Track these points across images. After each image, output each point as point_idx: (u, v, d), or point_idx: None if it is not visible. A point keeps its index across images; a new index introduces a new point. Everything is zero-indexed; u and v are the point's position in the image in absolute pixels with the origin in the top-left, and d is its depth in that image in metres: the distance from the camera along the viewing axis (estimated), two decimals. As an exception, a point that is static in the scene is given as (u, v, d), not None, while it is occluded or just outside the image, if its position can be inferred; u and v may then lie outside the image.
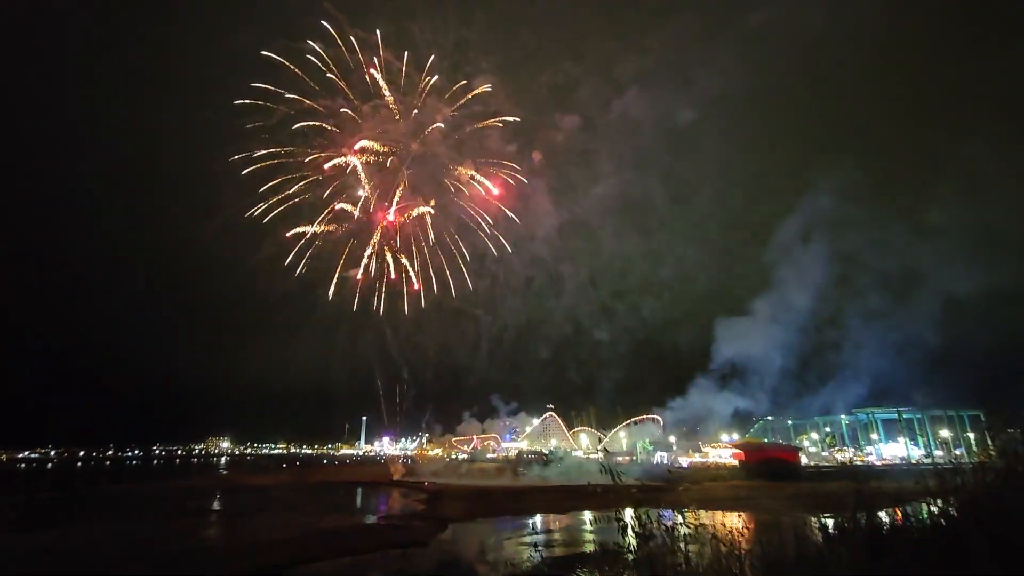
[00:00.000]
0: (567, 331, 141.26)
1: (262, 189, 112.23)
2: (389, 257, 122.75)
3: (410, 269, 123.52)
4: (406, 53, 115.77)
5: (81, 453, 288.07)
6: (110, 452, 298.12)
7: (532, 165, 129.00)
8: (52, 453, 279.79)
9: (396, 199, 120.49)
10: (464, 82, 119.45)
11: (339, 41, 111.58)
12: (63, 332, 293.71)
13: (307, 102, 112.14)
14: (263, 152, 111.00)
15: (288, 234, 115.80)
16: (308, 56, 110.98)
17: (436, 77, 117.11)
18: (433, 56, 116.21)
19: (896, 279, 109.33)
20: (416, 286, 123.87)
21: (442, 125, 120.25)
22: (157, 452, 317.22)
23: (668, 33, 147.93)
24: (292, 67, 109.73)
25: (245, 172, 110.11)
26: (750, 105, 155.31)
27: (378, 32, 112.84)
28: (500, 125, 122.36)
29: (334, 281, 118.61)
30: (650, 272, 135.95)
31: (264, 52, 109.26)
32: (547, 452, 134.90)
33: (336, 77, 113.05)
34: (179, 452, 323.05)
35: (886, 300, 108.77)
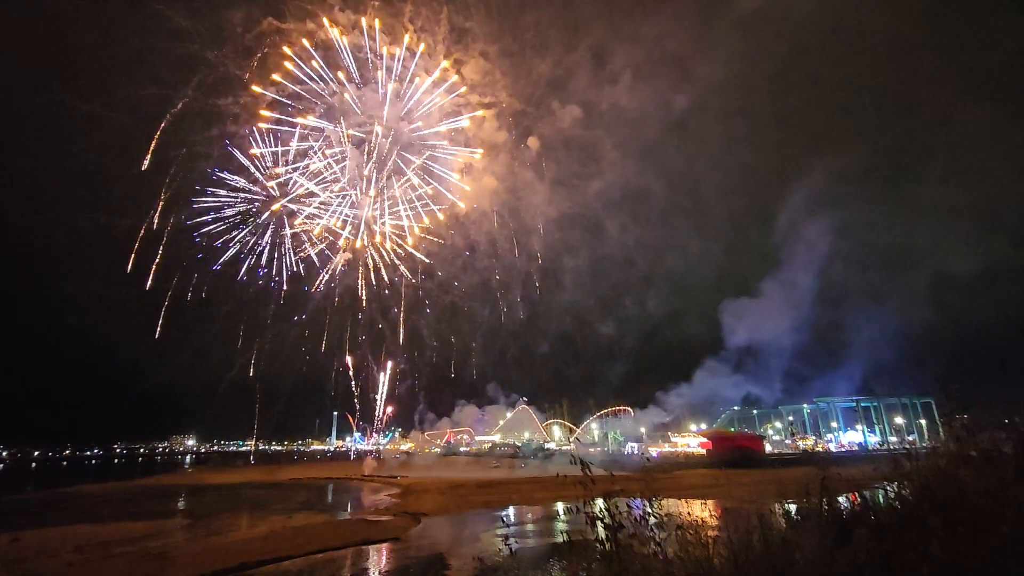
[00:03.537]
0: (566, 324, 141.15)
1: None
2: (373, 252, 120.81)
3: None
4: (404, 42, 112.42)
5: (36, 453, 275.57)
6: (67, 452, 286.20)
7: (529, 156, 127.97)
8: (4, 453, 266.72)
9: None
10: (456, 79, 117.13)
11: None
12: (13, 326, 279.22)
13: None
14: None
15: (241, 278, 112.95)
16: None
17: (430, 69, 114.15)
18: (423, 45, 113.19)
19: (887, 261, 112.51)
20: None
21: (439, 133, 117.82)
22: (118, 451, 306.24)
23: (664, 21, 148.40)
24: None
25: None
26: (746, 92, 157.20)
27: (363, 21, 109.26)
28: (497, 117, 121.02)
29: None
30: (652, 263, 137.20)
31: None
32: (519, 444, 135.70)
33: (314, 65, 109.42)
34: (142, 450, 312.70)
35: (875, 283, 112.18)
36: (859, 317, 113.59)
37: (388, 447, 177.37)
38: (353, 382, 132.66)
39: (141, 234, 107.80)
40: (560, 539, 35.94)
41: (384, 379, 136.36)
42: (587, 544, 6.54)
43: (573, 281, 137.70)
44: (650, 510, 6.71)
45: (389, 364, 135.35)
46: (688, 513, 7.25)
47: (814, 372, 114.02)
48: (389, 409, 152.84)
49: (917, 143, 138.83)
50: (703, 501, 44.18)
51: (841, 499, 7.64)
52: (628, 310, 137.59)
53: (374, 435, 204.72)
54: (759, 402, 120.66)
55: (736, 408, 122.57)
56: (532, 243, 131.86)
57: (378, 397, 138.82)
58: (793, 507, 8.02)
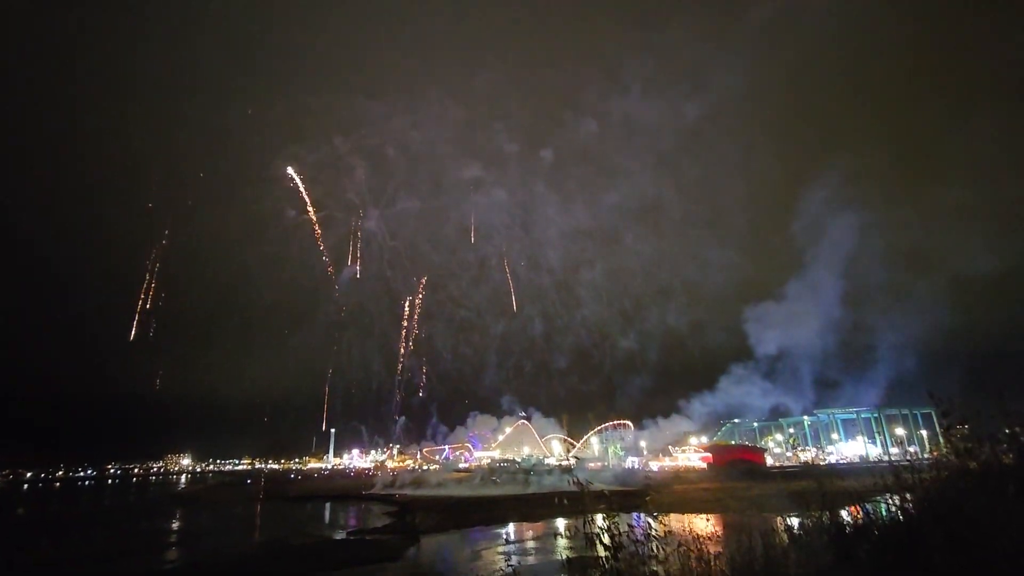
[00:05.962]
0: (582, 338, 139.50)
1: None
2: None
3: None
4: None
5: (28, 475, 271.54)
6: (60, 473, 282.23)
7: (541, 169, 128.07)
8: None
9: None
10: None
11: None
12: (4, 346, 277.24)
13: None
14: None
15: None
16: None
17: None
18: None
19: (908, 263, 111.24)
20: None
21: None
22: (112, 471, 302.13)
23: (677, 32, 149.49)
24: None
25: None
26: (761, 99, 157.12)
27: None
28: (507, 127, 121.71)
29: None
30: (671, 273, 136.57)
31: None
32: (519, 460, 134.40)
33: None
34: (136, 471, 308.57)
35: (897, 286, 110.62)
36: (882, 323, 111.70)
37: (389, 464, 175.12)
38: (360, 395, 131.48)
39: (154, 258, 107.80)
40: (559, 556, 35.47)
41: (397, 393, 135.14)
42: (588, 562, 6.47)
43: (590, 294, 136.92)
44: (651, 527, 6.64)
45: (401, 377, 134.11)
46: (690, 530, 7.17)
47: (843, 379, 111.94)
48: (401, 419, 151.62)
49: (935, 143, 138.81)
50: (705, 516, 43.73)
51: (843, 512, 7.58)
52: (648, 322, 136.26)
53: (371, 452, 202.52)
54: (788, 412, 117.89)
55: (736, 421, 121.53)
56: (549, 256, 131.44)
57: (393, 411, 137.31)
58: (795, 521, 7.96)
